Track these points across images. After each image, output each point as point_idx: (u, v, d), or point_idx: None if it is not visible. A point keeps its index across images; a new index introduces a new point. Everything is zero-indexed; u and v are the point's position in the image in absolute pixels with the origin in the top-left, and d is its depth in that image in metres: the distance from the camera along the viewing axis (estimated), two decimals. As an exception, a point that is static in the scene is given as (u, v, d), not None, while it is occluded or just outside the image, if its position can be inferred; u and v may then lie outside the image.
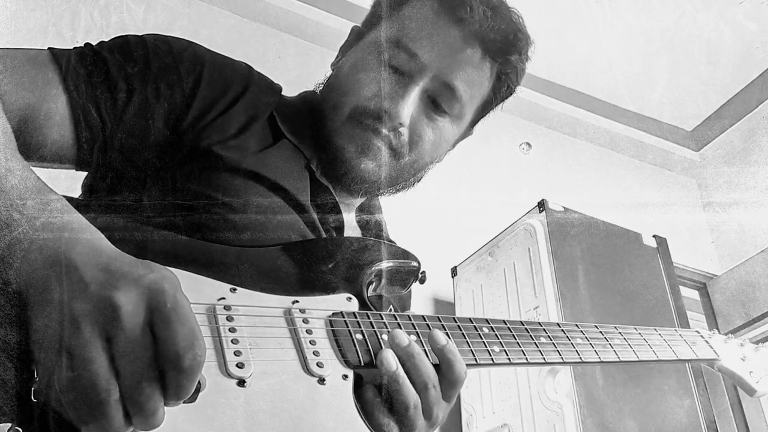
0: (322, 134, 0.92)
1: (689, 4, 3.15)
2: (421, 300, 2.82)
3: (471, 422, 2.44)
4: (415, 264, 0.88)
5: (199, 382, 0.54)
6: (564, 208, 2.48)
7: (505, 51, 0.93)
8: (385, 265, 0.84)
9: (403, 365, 0.71)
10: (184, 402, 0.53)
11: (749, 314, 3.33)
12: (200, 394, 0.59)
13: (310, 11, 3.11)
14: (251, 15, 3.08)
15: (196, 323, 0.52)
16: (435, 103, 0.92)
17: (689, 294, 3.57)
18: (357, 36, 1.00)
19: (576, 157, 3.72)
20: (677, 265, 2.87)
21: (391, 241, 1.01)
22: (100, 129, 0.78)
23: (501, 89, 0.99)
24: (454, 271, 2.81)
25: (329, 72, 1.01)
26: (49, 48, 0.80)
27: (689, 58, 3.41)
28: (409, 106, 0.90)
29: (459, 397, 2.57)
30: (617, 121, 3.74)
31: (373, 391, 0.72)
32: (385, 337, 0.74)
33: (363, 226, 1.02)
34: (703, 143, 3.93)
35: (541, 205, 2.45)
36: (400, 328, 0.75)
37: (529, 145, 3.59)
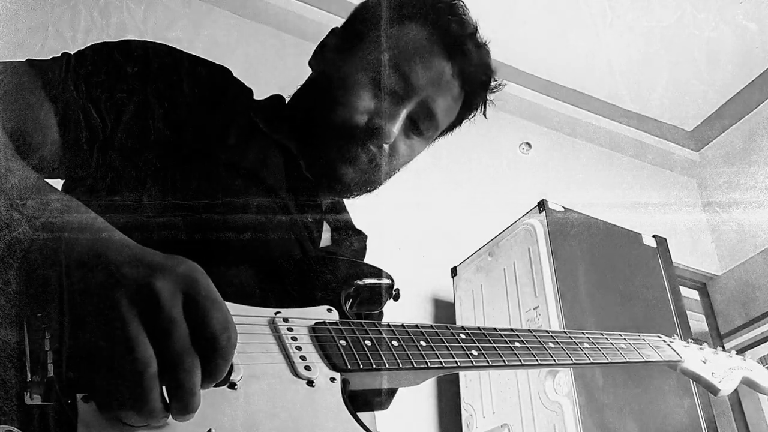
0: (312, 135, 0.97)
1: (689, 4, 3.14)
2: (421, 300, 2.82)
3: (471, 422, 2.44)
4: (388, 281, 0.92)
5: (231, 365, 0.57)
6: (564, 208, 2.48)
7: (482, 89, 1.06)
8: (361, 282, 0.88)
9: None
10: (216, 385, 0.57)
11: (749, 314, 3.33)
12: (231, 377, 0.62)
13: (310, 11, 3.11)
14: (251, 15, 3.08)
15: (227, 309, 0.57)
16: (414, 124, 1.00)
17: (689, 294, 3.57)
18: (342, 44, 1.03)
19: (576, 157, 3.72)
20: (677, 265, 2.87)
21: (360, 232, 1.09)
22: (100, 129, 0.78)
23: (466, 116, 1.09)
24: (454, 271, 2.81)
25: (312, 73, 1.05)
26: (27, 60, 0.81)
27: (689, 58, 3.41)
28: (398, 126, 0.97)
29: (459, 397, 2.57)
30: (617, 121, 3.74)
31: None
32: (368, 342, 0.77)
33: (336, 210, 1.11)
34: (703, 143, 3.92)
35: (541, 205, 2.45)
36: (381, 335, 0.79)
37: (529, 145, 3.58)
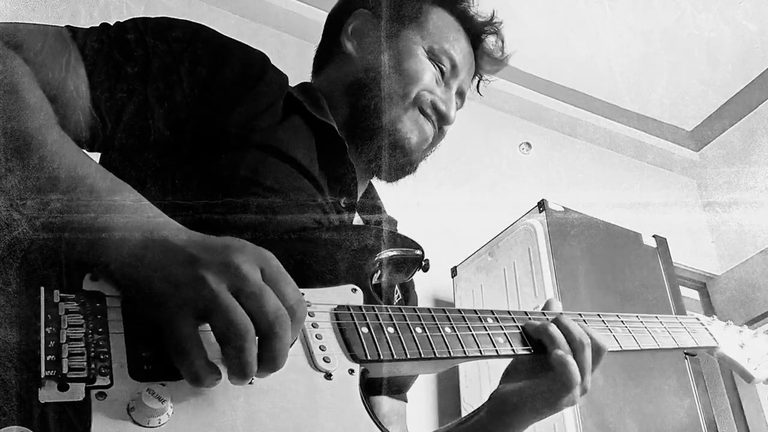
0: (372, 121, 1.00)
1: (689, 4, 3.14)
2: (421, 300, 2.80)
3: (471, 422, 2.43)
4: (418, 252, 0.91)
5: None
6: (564, 208, 2.48)
7: (492, 71, 1.16)
8: (389, 254, 0.87)
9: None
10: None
11: (749, 314, 3.33)
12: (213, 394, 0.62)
13: (310, 11, 3.10)
14: (251, 15, 3.08)
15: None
16: None
17: (689, 294, 3.57)
18: (388, 31, 1.06)
19: (576, 157, 3.72)
20: (677, 265, 2.87)
21: (391, 219, 1.10)
22: (100, 129, 0.78)
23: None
24: (454, 271, 2.81)
25: (353, 57, 1.05)
26: (67, 26, 0.82)
27: (689, 58, 3.41)
28: (455, 109, 1.06)
29: (459, 396, 2.57)
30: (617, 121, 3.74)
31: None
32: (390, 329, 0.74)
33: (369, 197, 1.14)
34: (703, 143, 3.92)
35: (541, 205, 2.45)
36: (405, 321, 0.77)
37: (529, 145, 3.58)
